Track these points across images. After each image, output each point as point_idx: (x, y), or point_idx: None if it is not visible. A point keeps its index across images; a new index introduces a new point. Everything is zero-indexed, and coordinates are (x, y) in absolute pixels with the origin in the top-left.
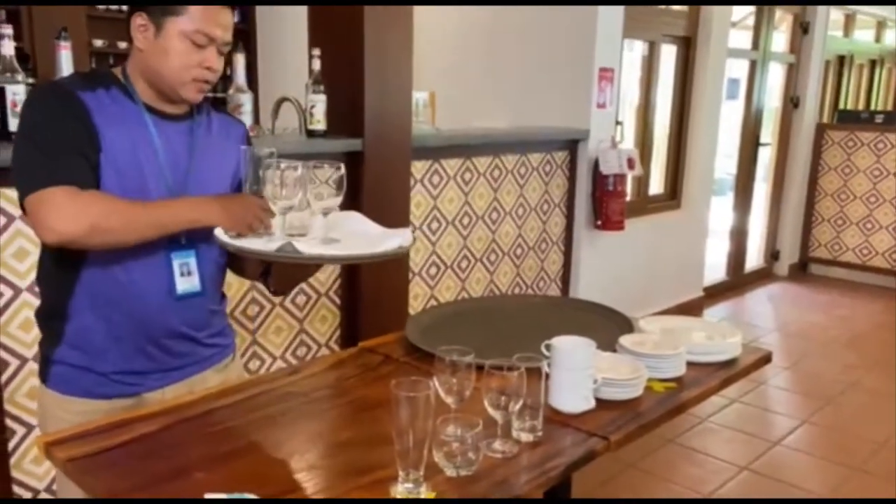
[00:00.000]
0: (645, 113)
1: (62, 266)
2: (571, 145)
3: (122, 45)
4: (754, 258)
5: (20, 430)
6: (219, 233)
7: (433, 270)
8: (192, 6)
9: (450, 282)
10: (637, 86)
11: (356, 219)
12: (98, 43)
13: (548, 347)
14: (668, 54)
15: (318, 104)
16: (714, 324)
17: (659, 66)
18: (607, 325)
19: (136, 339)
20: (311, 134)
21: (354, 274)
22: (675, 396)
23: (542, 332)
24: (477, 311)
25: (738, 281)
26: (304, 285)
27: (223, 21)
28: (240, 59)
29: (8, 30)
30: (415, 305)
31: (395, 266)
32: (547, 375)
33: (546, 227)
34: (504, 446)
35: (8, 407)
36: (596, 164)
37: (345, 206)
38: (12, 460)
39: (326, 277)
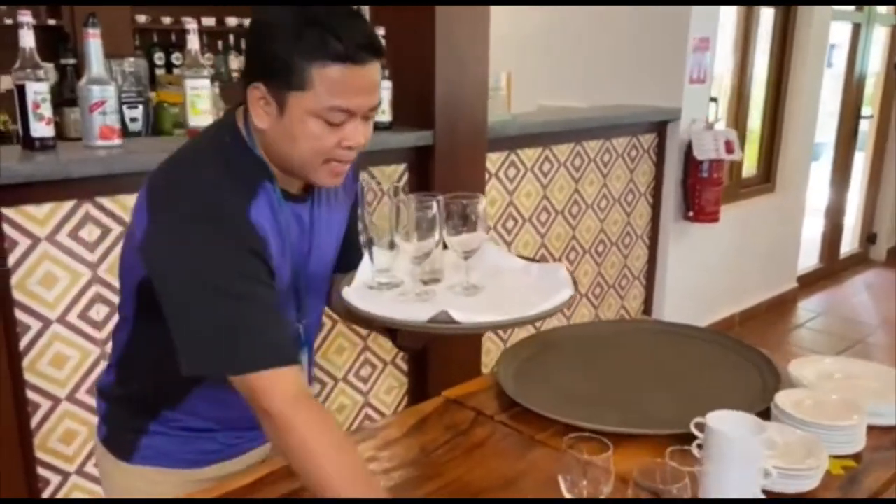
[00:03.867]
0: (740, 87)
1: None
2: (660, 127)
3: (167, 20)
4: (848, 241)
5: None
6: (349, 294)
7: None
8: (319, 74)
9: None
10: (731, 57)
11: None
12: (141, 19)
13: (699, 427)
14: (766, 19)
15: (383, 92)
16: (884, 369)
17: (756, 33)
18: (740, 364)
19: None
20: (376, 126)
21: None
22: (859, 480)
23: (658, 373)
24: (575, 343)
25: (832, 268)
26: None
27: (367, 83)
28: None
29: (27, 17)
30: None
31: None
32: (699, 459)
33: (630, 220)
34: None
35: (40, 466)
36: (688, 148)
37: None
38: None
39: None
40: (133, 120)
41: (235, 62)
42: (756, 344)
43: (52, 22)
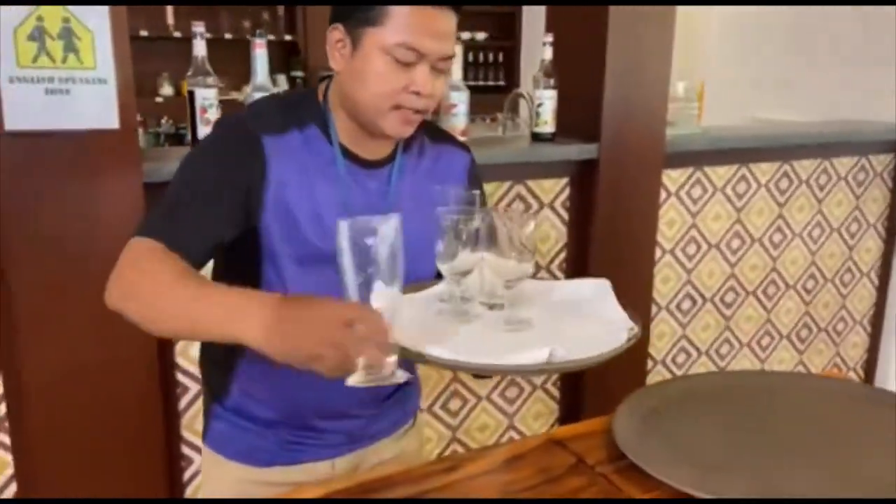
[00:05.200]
0: None
1: None
2: None
3: None
4: None
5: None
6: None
7: (686, 304)
8: (395, 10)
9: (709, 319)
10: None
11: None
12: None
13: None
14: None
15: (546, 102)
16: None
17: None
18: None
19: (303, 414)
20: (536, 138)
21: None
22: None
23: (821, 443)
24: (727, 395)
25: None
26: None
27: (439, 28)
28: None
29: (200, 27)
30: (658, 346)
31: (631, 296)
32: None
33: (853, 255)
34: None
35: (184, 445)
36: None
37: (576, 226)
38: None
39: None
40: None
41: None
42: None
43: (288, 38)
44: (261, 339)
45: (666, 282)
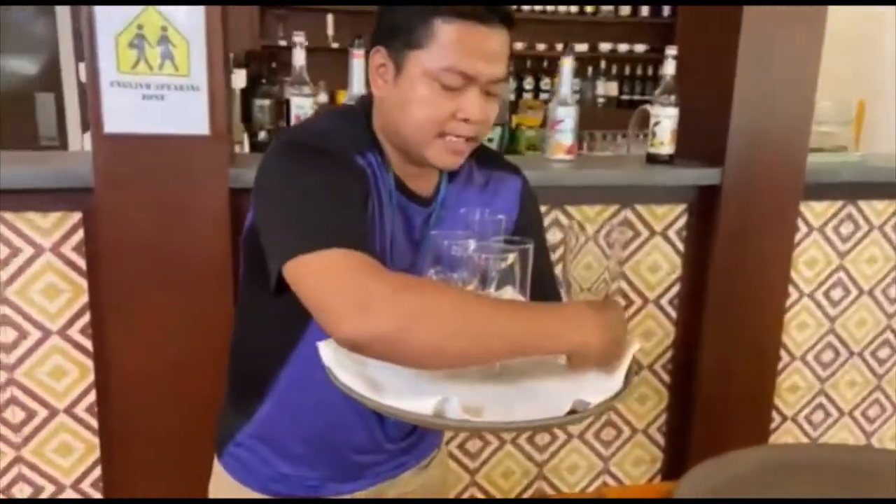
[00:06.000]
0: None
1: (285, 325)
2: None
3: (541, 46)
4: None
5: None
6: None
7: (828, 356)
8: (440, 30)
9: (856, 375)
10: None
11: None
12: (518, 46)
13: None
14: None
15: (665, 120)
16: None
17: None
18: None
19: (328, 450)
20: (651, 159)
21: (691, 344)
22: None
23: None
24: (824, 473)
25: None
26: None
27: (489, 49)
28: (567, 62)
29: (300, 37)
30: (789, 400)
31: (754, 340)
32: None
33: None
34: None
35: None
36: None
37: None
38: None
39: (654, 346)
40: (489, 140)
41: (602, 87)
42: None
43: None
44: (601, 340)
45: (802, 328)
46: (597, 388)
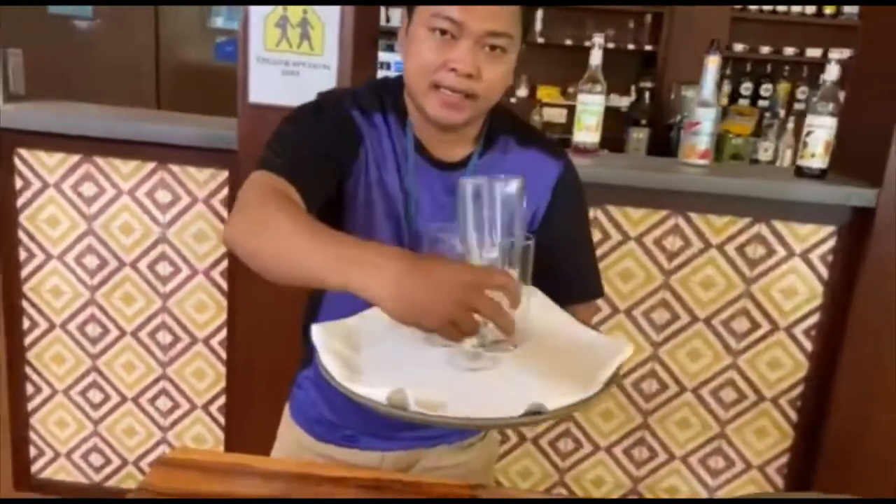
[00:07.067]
0: None
1: None
2: None
3: (765, 49)
4: None
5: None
6: (323, 341)
7: None
8: None
9: None
10: None
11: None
12: (738, 48)
13: None
14: None
15: (818, 130)
16: None
17: None
18: None
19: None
20: (800, 172)
21: (825, 380)
22: None
23: None
24: None
25: None
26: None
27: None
28: (712, 60)
29: (600, 38)
30: None
31: None
32: None
33: None
34: None
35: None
36: None
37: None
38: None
39: (780, 377)
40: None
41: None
42: None
43: (648, 48)
44: (385, 293)
45: None
46: (564, 391)
